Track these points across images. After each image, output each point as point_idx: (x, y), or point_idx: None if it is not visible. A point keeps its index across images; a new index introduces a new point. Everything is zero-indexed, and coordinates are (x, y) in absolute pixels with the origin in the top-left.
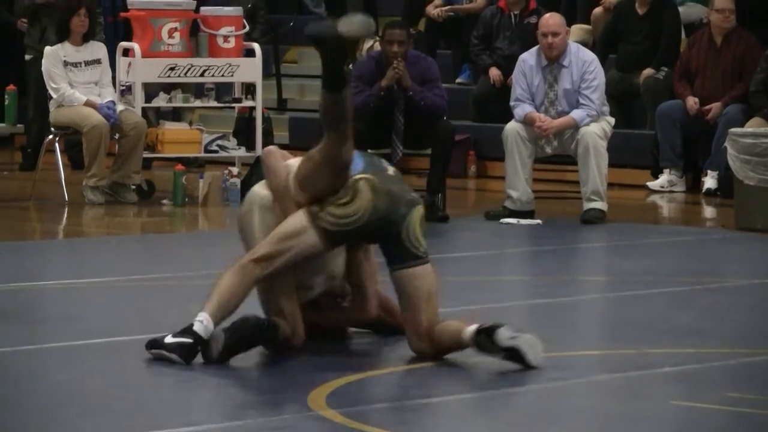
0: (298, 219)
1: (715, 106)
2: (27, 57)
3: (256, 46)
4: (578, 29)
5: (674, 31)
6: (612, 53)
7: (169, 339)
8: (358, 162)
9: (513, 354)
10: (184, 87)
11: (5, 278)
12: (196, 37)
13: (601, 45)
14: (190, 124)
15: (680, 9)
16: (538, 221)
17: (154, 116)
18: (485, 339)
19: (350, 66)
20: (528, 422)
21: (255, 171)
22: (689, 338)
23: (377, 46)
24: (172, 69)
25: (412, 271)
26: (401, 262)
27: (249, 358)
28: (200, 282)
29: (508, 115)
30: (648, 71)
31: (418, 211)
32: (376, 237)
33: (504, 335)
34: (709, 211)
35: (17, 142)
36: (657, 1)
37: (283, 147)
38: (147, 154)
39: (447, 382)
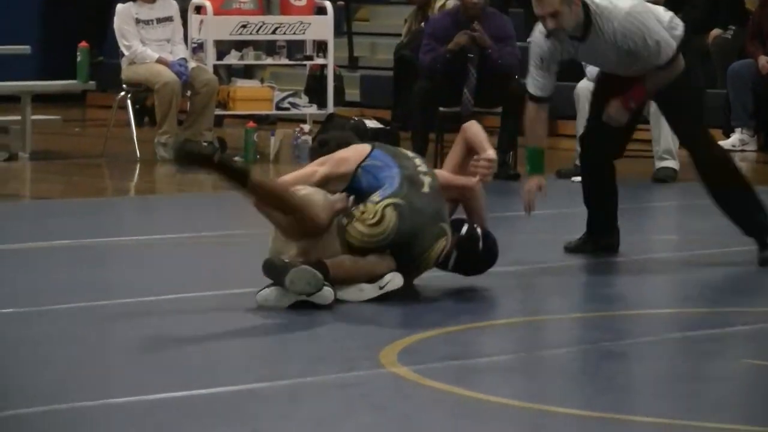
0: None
1: None
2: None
3: (327, 3)
4: None
5: None
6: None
7: None
8: (392, 181)
9: None
10: (256, 45)
11: (77, 235)
12: None
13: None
14: (262, 81)
15: None
16: None
17: (225, 74)
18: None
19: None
20: (600, 381)
21: (327, 128)
22: (762, 297)
23: (449, 5)
24: (243, 27)
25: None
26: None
27: (320, 315)
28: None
29: (580, 74)
30: (716, 31)
31: (439, 245)
32: (391, 251)
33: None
34: None
35: (89, 100)
36: None
37: (354, 104)
38: (219, 112)
39: (518, 341)
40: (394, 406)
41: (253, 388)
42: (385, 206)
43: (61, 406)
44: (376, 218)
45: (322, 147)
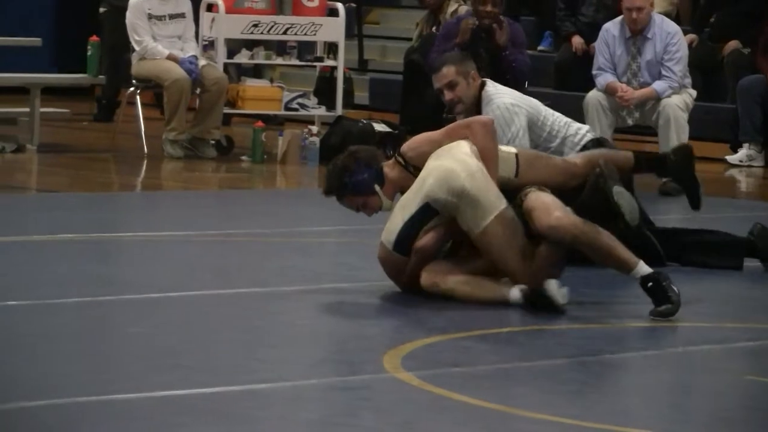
0: None
1: None
2: (101, 10)
3: (339, 5)
4: (662, 0)
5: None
6: (706, 26)
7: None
8: None
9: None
10: (267, 44)
11: (83, 229)
12: None
13: (698, 17)
14: (271, 81)
15: None
16: None
17: (235, 72)
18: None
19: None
20: (600, 392)
21: (335, 130)
22: (766, 313)
23: (461, 10)
24: (255, 26)
25: None
26: None
27: (324, 317)
28: (276, 239)
29: (590, 84)
30: (733, 44)
31: None
32: None
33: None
34: None
35: (97, 93)
36: None
37: (363, 107)
38: (227, 110)
39: (521, 349)
40: (396, 411)
41: (255, 389)
42: None
43: (62, 401)
44: None
45: None
